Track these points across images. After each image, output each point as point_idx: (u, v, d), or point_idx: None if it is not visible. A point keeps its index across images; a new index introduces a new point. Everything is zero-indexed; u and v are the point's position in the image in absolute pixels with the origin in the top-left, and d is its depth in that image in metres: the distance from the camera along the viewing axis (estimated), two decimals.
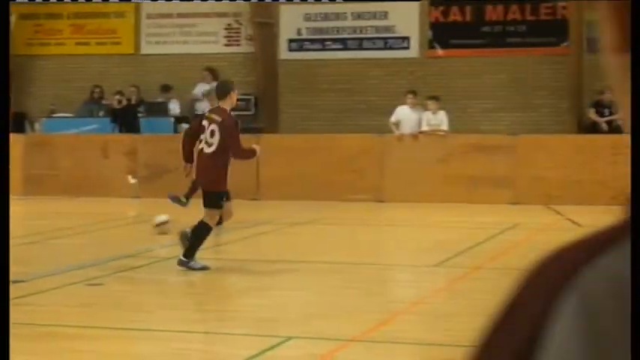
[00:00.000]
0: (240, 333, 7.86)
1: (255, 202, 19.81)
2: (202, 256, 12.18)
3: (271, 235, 14.93)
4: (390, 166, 19.38)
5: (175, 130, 22.34)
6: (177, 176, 20.70)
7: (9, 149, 5.76)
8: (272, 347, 7.26)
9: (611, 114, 20.36)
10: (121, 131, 22.12)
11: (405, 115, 19.81)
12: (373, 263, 12.19)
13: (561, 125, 21.24)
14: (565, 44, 21.51)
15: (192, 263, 10.77)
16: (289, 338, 7.56)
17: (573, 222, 15.63)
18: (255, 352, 7.10)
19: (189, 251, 10.84)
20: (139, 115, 22.56)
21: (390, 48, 22.88)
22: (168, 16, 24.26)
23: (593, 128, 20.46)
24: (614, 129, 20.12)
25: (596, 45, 21.36)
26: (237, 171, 20.04)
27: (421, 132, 19.64)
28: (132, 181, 20.50)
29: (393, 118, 19.78)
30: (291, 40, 23.56)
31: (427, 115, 19.77)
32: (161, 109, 22.83)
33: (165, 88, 23.39)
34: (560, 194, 18.45)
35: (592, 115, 20.64)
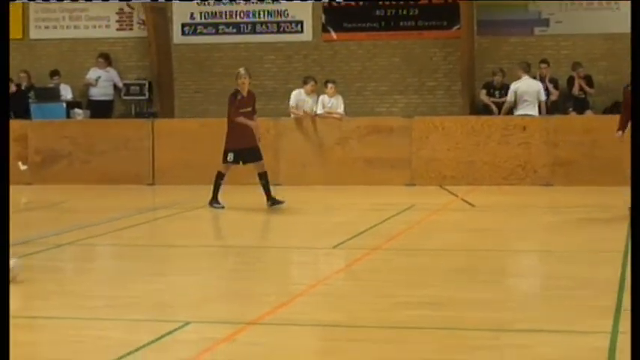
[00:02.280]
0: (137, 319, 7.76)
1: (151, 187, 19.64)
2: (98, 241, 12.03)
3: (168, 220, 14.80)
4: (286, 150, 19.36)
5: (68, 115, 21.98)
6: (70, 161, 20.44)
7: (9, 148, 5.60)
8: (170, 332, 7.18)
9: (501, 96, 20.64)
10: (10, 117, 21.69)
11: (301, 100, 19.78)
12: (271, 246, 12.17)
13: (454, 107, 21.49)
14: (457, 27, 21.71)
15: None
16: (187, 323, 7.49)
17: (467, 202, 15.81)
18: (153, 337, 7.02)
19: None
20: (30, 100, 22.16)
21: (284, 32, 22.84)
22: (58, 0, 23.83)
23: (484, 110, 20.73)
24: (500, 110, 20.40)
25: (486, 28, 21.64)
26: (131, 157, 19.90)
27: (317, 115, 19.63)
28: (22, 167, 20.12)
29: (292, 102, 19.70)
30: (184, 25, 23.35)
31: (323, 99, 19.77)
32: (52, 95, 22.42)
33: (54, 73, 23.03)
34: (454, 175, 18.66)
35: (483, 96, 20.91)
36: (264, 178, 15.46)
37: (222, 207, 15.25)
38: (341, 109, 19.74)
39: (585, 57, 20.88)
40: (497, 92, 20.76)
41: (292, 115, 19.67)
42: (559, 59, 21.21)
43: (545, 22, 21.58)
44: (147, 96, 23.12)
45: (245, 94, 15.39)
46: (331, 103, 19.76)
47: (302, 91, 19.77)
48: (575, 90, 20.47)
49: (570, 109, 20.27)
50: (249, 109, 15.40)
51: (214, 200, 15.37)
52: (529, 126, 18.50)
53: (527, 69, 19.55)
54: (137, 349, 6.71)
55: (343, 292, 8.97)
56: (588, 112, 20.23)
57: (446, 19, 22.00)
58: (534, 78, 19.98)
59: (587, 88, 20.49)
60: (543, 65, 20.55)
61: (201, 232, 13.49)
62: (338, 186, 18.57)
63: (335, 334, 7.40)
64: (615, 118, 19.21)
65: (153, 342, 6.92)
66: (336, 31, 22.53)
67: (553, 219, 14.03)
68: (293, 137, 19.42)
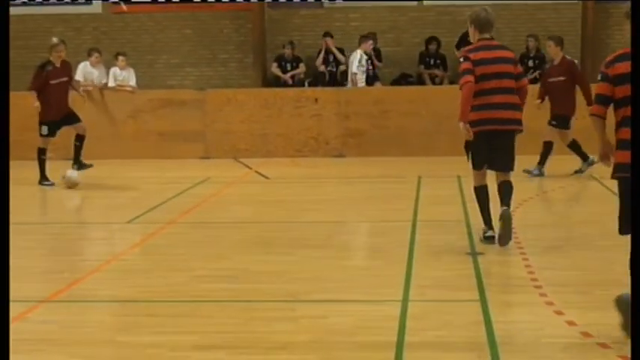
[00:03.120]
0: None
1: None
2: None
3: None
4: None
5: None
6: None
7: (9, 147, 5.25)
8: None
9: (292, 68, 20.85)
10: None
11: (88, 72, 19.45)
12: (63, 222, 11.96)
13: (247, 79, 21.55)
14: None
15: None
16: None
17: (261, 174, 15.94)
18: None
19: None
20: None
21: (73, 3, 22.36)
22: None
23: (276, 82, 20.89)
24: (296, 82, 20.63)
25: (276, 0, 21.78)
26: None
27: (108, 88, 19.35)
28: None
29: (78, 76, 19.33)
30: None
31: (115, 72, 19.49)
32: None
33: None
34: (248, 147, 18.76)
35: (275, 69, 21.05)
36: (79, 141, 15.43)
37: (52, 184, 14.96)
38: (133, 82, 19.52)
39: (373, 29, 21.28)
40: (288, 64, 20.96)
41: (81, 89, 19.31)
42: (348, 31, 21.57)
43: None
44: None
45: (59, 64, 15.15)
46: (123, 75, 19.51)
47: (87, 63, 19.46)
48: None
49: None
50: (65, 78, 15.29)
51: (43, 178, 15.09)
52: (321, 98, 18.77)
53: (359, 42, 19.88)
54: None
55: (139, 267, 8.93)
56: (377, 84, 20.67)
57: None
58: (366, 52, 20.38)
59: (375, 62, 20.91)
60: (326, 38, 20.84)
61: None
62: (131, 160, 18.38)
63: (131, 309, 7.37)
64: (402, 90, 19.79)
65: None
66: (126, 2, 22.22)
67: (346, 190, 14.32)
68: (84, 111, 19.05)
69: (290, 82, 20.67)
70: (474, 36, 9.57)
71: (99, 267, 8.84)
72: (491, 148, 9.42)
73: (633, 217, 5.64)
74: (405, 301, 7.32)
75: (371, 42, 20.02)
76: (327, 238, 10.30)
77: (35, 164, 15.09)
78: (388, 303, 7.28)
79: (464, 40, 19.26)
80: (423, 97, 18.71)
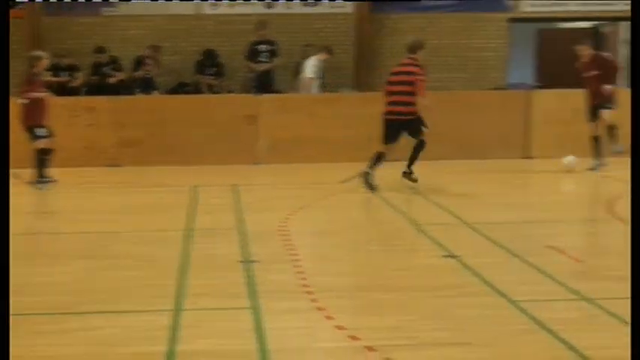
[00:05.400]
0: None
1: None
2: None
3: None
4: None
5: None
6: None
7: (9, 143, 4.71)
8: None
9: (69, 77, 20.49)
10: None
11: None
12: None
13: (19, 88, 20.99)
14: (21, 6, 21.22)
15: None
16: None
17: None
18: None
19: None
20: None
21: None
22: None
23: (51, 91, 20.42)
24: (68, 91, 20.13)
25: (52, 8, 21.32)
26: None
27: None
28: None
29: None
30: None
31: None
32: None
33: None
34: (19, 157, 18.21)
35: (50, 78, 20.60)
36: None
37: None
38: None
39: (151, 38, 21.19)
40: (64, 73, 20.58)
41: None
42: (126, 39, 21.40)
43: (112, 4, 21.63)
44: None
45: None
46: None
47: None
48: (141, 73, 20.69)
49: (137, 90, 20.50)
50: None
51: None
52: (96, 107, 18.50)
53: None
54: None
55: None
56: (155, 93, 20.56)
57: None
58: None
59: (153, 69, 20.78)
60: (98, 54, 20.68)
61: None
62: None
63: None
64: (179, 99, 19.75)
65: None
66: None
67: (121, 199, 14.18)
68: None
69: (65, 90, 20.28)
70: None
71: None
72: (395, 131, 13.86)
73: (633, 217, 5.99)
74: (177, 310, 7.33)
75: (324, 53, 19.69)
76: (98, 249, 10.16)
77: None
78: (160, 313, 7.27)
79: (252, 52, 19.73)
80: (201, 106, 18.74)
